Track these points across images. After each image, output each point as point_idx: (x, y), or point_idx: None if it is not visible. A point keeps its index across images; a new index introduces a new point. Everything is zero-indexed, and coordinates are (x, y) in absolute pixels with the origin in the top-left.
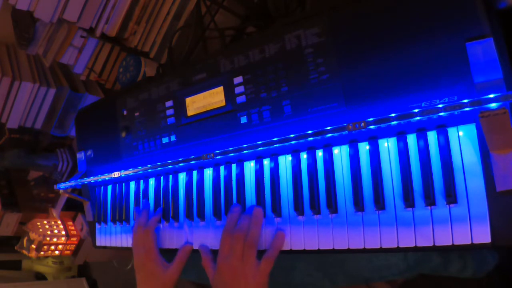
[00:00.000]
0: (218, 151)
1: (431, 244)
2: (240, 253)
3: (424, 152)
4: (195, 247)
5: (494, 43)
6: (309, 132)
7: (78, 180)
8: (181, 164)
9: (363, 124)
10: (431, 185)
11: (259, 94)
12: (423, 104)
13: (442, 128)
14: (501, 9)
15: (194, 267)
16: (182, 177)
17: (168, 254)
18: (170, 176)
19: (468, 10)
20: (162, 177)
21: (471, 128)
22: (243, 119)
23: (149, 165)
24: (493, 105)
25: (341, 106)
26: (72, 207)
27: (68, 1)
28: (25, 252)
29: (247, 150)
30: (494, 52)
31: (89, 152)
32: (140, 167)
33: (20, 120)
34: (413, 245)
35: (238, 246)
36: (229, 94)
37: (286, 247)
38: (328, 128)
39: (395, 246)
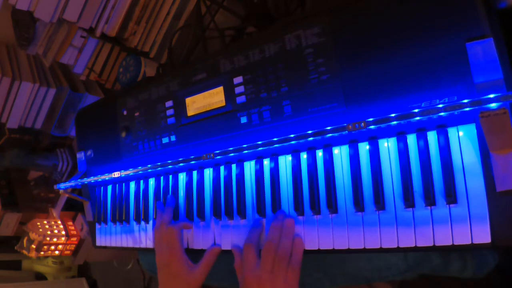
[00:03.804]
0: (218, 151)
1: (431, 244)
2: (270, 266)
3: (424, 152)
4: (195, 247)
5: (494, 43)
6: (309, 132)
7: (78, 180)
8: (181, 164)
9: (363, 124)
10: (431, 185)
11: (259, 94)
12: (423, 104)
13: (442, 128)
14: (501, 9)
15: None
16: (182, 177)
17: None
18: (170, 176)
19: (468, 10)
20: (162, 177)
21: (471, 128)
22: (243, 119)
23: (149, 165)
24: (493, 105)
25: (341, 106)
26: (72, 207)
27: (68, 1)
28: (25, 252)
29: (247, 150)
30: (494, 52)
31: (89, 152)
32: (140, 167)
33: (20, 120)
34: (413, 245)
35: (268, 258)
36: (229, 94)
37: None
38: (328, 128)
39: (395, 246)
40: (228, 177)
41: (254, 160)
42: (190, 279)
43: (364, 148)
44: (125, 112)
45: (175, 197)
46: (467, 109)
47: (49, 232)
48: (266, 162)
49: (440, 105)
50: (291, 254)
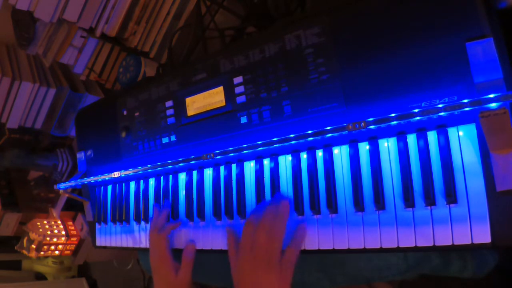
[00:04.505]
0: (218, 151)
1: (431, 244)
2: (263, 247)
3: (424, 152)
4: (196, 247)
5: (494, 43)
6: (309, 132)
7: (78, 180)
8: (181, 164)
9: (363, 124)
10: (431, 185)
11: (259, 94)
12: (423, 104)
13: (442, 128)
14: (501, 9)
15: (194, 267)
16: (182, 177)
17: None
18: (170, 176)
19: (468, 10)
20: (162, 177)
21: (471, 128)
22: (243, 119)
23: (149, 165)
24: (493, 105)
25: (341, 106)
26: (72, 207)
27: (68, 1)
28: (25, 252)
29: (247, 150)
30: (494, 52)
31: (89, 152)
32: (140, 167)
33: (20, 120)
34: (413, 245)
35: (261, 239)
36: (229, 94)
37: None
38: (328, 128)
39: (395, 246)
40: (228, 177)
41: (254, 160)
42: (176, 283)
43: (364, 148)
44: (125, 112)
45: (170, 203)
46: (467, 109)
47: (49, 232)
48: (266, 162)
49: (440, 105)
50: (293, 238)
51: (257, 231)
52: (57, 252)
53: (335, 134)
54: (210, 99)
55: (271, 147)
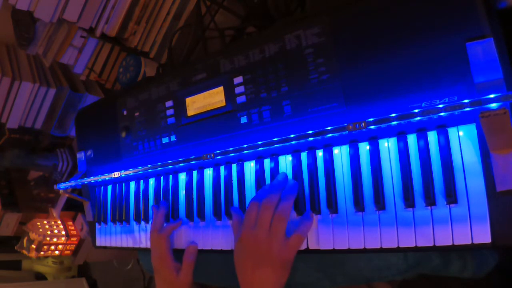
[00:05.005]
0: (218, 151)
1: (431, 244)
2: (267, 224)
3: (424, 152)
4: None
5: (494, 43)
6: (309, 132)
7: (78, 180)
8: (181, 164)
9: (363, 124)
10: (431, 185)
11: (259, 94)
12: (423, 104)
13: (442, 128)
14: (501, 9)
15: (195, 267)
16: (182, 177)
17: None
18: (170, 176)
19: (468, 10)
20: (162, 177)
21: (471, 128)
22: (243, 119)
23: (149, 165)
24: (493, 105)
25: (341, 106)
26: (72, 207)
27: (68, 1)
28: (25, 252)
29: (247, 150)
30: (494, 52)
31: (89, 152)
32: (140, 167)
33: (20, 120)
34: (413, 245)
35: (266, 217)
36: (229, 94)
37: None
38: (328, 128)
39: (395, 246)
40: (228, 177)
41: (254, 160)
42: (178, 283)
43: (364, 148)
44: (125, 112)
45: (167, 203)
46: (467, 109)
47: (49, 232)
48: (266, 162)
49: (440, 105)
50: (302, 223)
51: (263, 208)
52: (57, 252)
53: (335, 134)
54: (210, 99)
55: (271, 147)
